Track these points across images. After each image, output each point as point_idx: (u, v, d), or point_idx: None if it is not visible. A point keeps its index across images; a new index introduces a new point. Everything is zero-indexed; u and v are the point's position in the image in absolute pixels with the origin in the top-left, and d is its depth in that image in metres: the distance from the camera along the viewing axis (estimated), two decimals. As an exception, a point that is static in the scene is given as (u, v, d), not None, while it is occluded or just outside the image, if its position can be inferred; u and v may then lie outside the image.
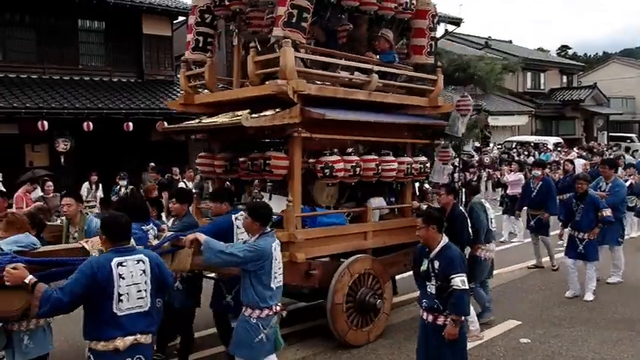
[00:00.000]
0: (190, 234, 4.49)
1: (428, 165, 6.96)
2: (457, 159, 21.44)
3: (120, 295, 3.39)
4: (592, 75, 42.68)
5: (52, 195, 10.20)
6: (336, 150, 5.83)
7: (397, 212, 6.84)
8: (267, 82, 5.46)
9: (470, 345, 5.18)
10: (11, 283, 3.36)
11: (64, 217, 5.35)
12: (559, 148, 25.18)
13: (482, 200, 6.78)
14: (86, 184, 12.49)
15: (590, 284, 7.39)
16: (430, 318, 4.30)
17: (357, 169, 5.89)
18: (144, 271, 3.51)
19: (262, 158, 5.59)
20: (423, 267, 4.35)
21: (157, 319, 3.75)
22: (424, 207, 6.57)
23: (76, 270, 3.41)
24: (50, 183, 10.39)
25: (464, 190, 7.79)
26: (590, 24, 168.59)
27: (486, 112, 26.20)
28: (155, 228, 4.84)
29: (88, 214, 5.37)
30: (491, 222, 6.54)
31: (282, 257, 4.44)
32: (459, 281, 4.10)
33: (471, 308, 6.32)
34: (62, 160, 14.26)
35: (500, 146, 26.94)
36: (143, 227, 4.65)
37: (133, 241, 3.68)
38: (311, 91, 5.39)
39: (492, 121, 28.13)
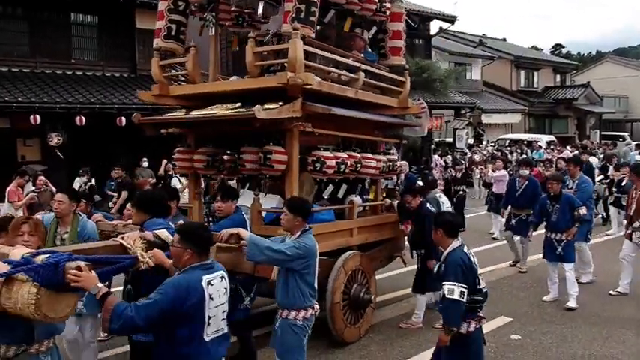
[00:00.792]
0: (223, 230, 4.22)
1: (398, 163, 7.20)
2: (449, 156, 21.67)
3: (210, 317, 3.01)
4: (585, 74, 42.86)
5: (43, 189, 10.15)
6: (331, 146, 5.82)
7: (368, 210, 6.91)
8: (273, 75, 5.33)
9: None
10: (81, 286, 2.84)
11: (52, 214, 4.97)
12: (552, 147, 25.27)
13: (437, 195, 7.25)
14: (78, 180, 12.41)
15: (571, 290, 7.10)
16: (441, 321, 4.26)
17: (343, 166, 5.83)
18: (226, 289, 3.16)
19: (262, 153, 5.42)
20: (435, 269, 4.41)
21: None
22: (395, 204, 6.87)
23: (155, 290, 2.92)
24: (42, 177, 10.35)
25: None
26: (588, 20, 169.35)
27: (479, 110, 26.37)
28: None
29: (81, 215, 4.96)
30: None
31: None
32: (446, 289, 3.96)
33: (423, 298, 6.49)
34: (59, 154, 14.20)
35: (493, 144, 27.03)
36: (170, 223, 4.23)
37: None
38: (314, 86, 5.27)
39: (485, 118, 28.27)
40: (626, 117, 41.71)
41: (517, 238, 9.12)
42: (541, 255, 9.09)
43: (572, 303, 7.05)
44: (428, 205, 6.56)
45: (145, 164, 13.80)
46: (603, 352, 5.68)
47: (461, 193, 13.28)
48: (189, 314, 2.91)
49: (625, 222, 8.06)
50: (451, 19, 24.94)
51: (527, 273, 8.82)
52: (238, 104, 5.14)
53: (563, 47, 63.28)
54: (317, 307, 4.27)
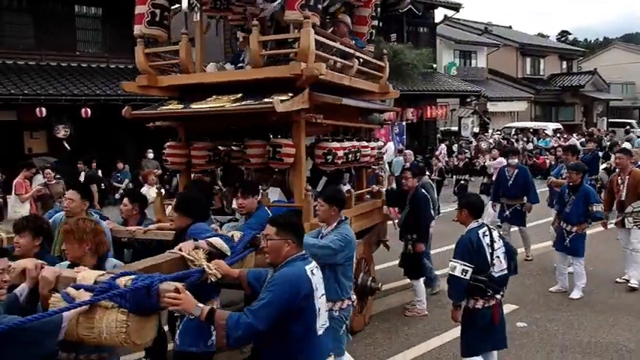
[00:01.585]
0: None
1: (383, 150, 7.27)
2: (455, 144, 21.56)
3: (319, 309, 2.87)
4: (592, 60, 42.44)
5: (54, 181, 10.19)
6: (339, 136, 5.79)
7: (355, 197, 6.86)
8: (278, 65, 5.17)
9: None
10: (182, 309, 2.66)
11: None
12: (558, 134, 25.14)
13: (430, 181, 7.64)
14: (83, 174, 12.48)
15: (578, 281, 7.02)
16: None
17: (350, 155, 5.75)
18: (320, 279, 3.00)
19: (272, 146, 5.17)
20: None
21: None
22: (383, 190, 6.93)
23: (264, 290, 2.78)
24: (49, 170, 10.41)
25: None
26: (595, 6, 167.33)
27: (485, 98, 26.24)
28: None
29: (93, 214, 4.50)
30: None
31: None
32: (450, 266, 4.13)
33: (421, 283, 6.54)
34: (67, 146, 14.27)
35: (499, 132, 26.91)
36: (212, 226, 3.96)
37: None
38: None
39: (491, 107, 28.14)
40: (634, 104, 41.35)
41: (514, 228, 8.96)
42: (547, 243, 9.12)
43: (576, 294, 6.97)
44: (426, 188, 6.69)
45: (151, 155, 13.86)
46: (609, 340, 5.68)
47: (462, 182, 13.20)
48: (303, 308, 2.79)
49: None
50: (456, 7, 24.76)
51: (533, 261, 8.80)
52: (239, 95, 5.04)
53: (570, 34, 62.65)
54: (354, 297, 4.21)
